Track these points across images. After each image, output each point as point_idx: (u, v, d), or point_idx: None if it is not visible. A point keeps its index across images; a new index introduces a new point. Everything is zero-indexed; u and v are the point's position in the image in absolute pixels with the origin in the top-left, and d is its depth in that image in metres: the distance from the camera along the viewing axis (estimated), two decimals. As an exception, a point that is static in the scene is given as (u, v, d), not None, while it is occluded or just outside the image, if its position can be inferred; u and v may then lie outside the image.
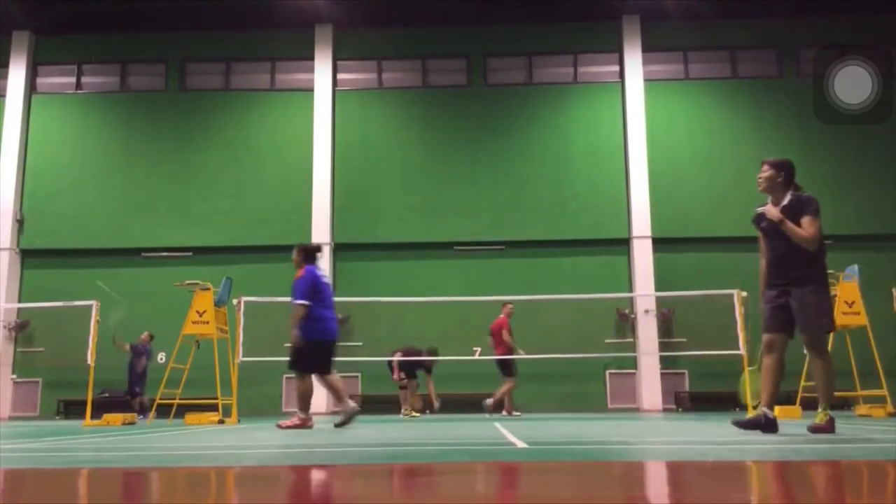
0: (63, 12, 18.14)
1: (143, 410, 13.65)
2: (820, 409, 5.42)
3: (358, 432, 6.67)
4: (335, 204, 17.31)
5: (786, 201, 5.44)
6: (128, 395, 14.61)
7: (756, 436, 5.29)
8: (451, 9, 17.83)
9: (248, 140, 17.88)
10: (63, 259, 17.35)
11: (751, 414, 5.67)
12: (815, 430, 5.33)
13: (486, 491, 2.71)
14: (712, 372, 15.31)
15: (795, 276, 5.47)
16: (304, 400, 7.72)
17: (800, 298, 5.42)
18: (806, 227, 5.38)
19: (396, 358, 12.24)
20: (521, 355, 12.35)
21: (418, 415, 12.22)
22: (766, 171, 5.51)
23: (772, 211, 5.42)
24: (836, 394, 11.14)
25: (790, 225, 5.37)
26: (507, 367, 12.34)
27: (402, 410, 12.30)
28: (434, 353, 12.34)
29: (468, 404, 15.46)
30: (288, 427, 7.44)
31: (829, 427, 5.32)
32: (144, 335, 14.83)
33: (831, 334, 9.44)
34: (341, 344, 16.87)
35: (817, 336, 5.45)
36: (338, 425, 7.52)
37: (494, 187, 17.39)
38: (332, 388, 7.89)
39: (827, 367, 5.53)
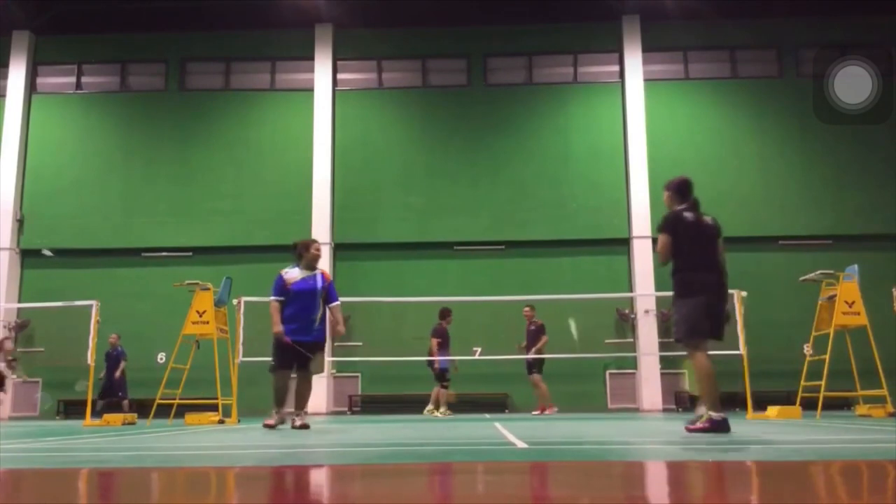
0: (63, 12, 18.12)
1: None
2: (702, 410, 5.75)
3: (358, 432, 6.67)
4: (335, 204, 17.30)
5: None
6: (106, 398, 14.41)
7: (754, 436, 5.30)
8: (451, 9, 17.81)
9: (248, 140, 17.87)
10: (63, 259, 17.35)
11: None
12: (687, 429, 5.65)
13: (487, 491, 2.71)
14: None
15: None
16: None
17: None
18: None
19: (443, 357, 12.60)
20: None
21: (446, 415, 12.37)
22: (664, 193, 6.11)
23: None
24: (836, 394, 11.21)
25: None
26: None
27: (440, 409, 12.39)
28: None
29: (468, 404, 15.47)
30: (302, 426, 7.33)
31: (708, 429, 5.48)
32: (113, 337, 14.69)
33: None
34: (341, 344, 16.96)
35: (679, 341, 5.85)
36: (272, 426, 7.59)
37: (494, 187, 17.38)
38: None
39: (698, 368, 5.76)
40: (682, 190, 5.98)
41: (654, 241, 16.46)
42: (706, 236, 5.84)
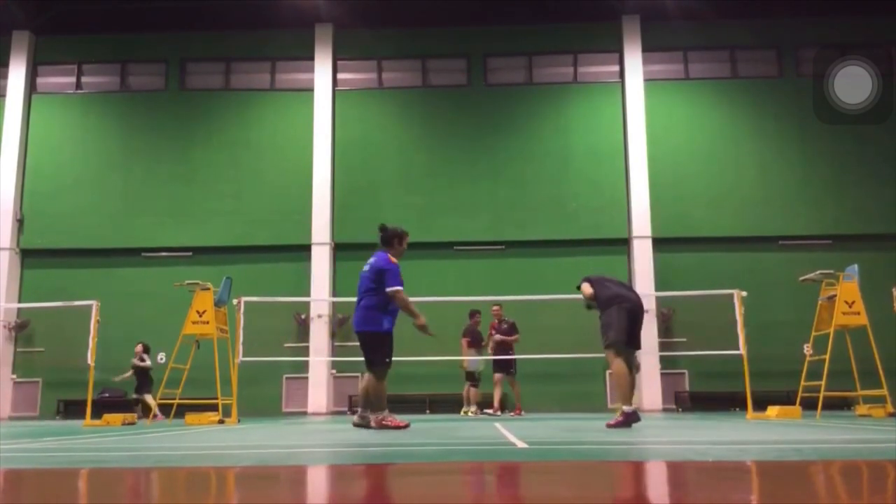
0: (63, 12, 18.12)
1: None
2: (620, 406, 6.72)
3: (358, 432, 6.67)
4: (335, 204, 17.30)
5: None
6: None
7: (754, 436, 5.30)
8: (451, 9, 17.81)
9: (248, 140, 17.87)
10: (63, 259, 17.35)
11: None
12: (609, 425, 6.51)
13: (487, 491, 2.71)
14: (712, 372, 15.31)
15: None
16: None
17: None
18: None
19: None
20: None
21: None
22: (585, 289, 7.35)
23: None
24: (836, 394, 11.22)
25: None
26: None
27: (471, 409, 12.43)
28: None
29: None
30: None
31: (623, 422, 6.44)
32: None
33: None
34: (341, 344, 16.94)
35: (609, 345, 6.92)
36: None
37: (494, 187, 17.39)
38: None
39: (615, 372, 6.89)
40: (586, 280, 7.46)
41: (655, 240, 16.61)
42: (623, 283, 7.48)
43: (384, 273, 7.04)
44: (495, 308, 12.81)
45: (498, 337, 12.46)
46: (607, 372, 16.29)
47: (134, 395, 13.82)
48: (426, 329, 7.13)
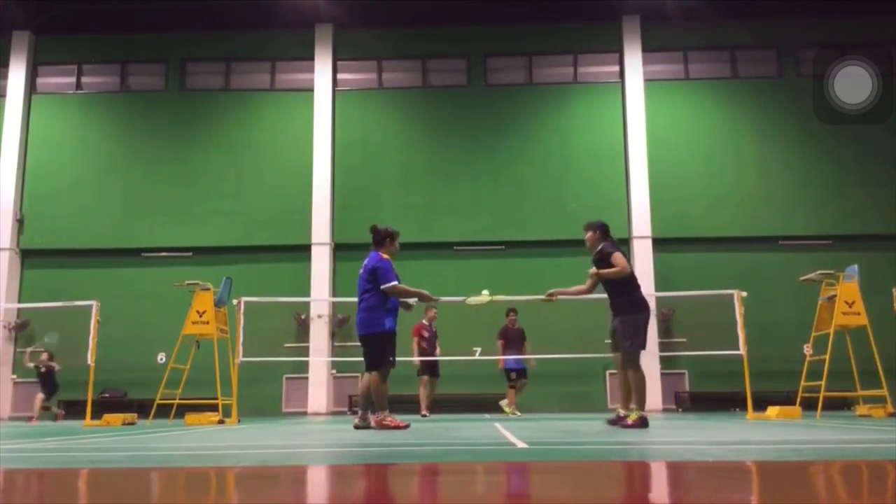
0: (63, 12, 18.12)
1: None
2: (633, 409, 6.87)
3: (358, 432, 6.67)
4: (335, 204, 17.30)
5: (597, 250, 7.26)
6: None
7: (754, 436, 5.30)
8: (451, 9, 17.82)
9: (248, 140, 17.87)
10: (63, 259, 17.34)
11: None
12: (623, 425, 6.71)
13: (486, 491, 2.71)
14: (712, 372, 15.30)
15: (613, 305, 7.40)
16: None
17: (613, 325, 7.36)
18: (614, 263, 7.09)
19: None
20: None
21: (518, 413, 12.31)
22: (587, 234, 7.42)
23: (590, 271, 7.44)
24: (836, 394, 11.23)
25: (602, 272, 7.25)
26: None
27: (508, 407, 12.48)
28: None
29: (468, 404, 15.47)
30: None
31: (639, 424, 6.58)
32: None
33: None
34: (340, 345, 16.91)
35: (623, 355, 7.09)
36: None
37: (494, 187, 17.38)
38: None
39: (639, 378, 7.07)
40: (606, 231, 7.35)
41: (655, 240, 16.60)
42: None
43: (376, 271, 7.20)
44: (432, 312, 12.76)
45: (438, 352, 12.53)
46: (607, 372, 16.31)
47: (46, 400, 14.70)
48: (429, 297, 7.49)
